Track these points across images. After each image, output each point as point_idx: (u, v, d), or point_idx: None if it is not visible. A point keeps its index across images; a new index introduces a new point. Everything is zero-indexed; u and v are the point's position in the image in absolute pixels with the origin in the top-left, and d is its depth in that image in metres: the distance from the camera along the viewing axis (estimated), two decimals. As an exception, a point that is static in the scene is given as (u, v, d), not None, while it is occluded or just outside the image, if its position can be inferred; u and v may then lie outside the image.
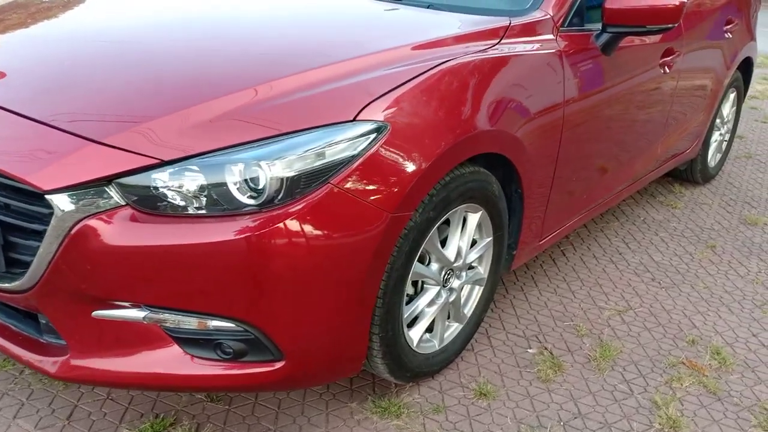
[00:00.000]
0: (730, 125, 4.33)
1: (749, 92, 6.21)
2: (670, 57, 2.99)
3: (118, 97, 1.69)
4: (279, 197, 1.54)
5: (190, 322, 1.59)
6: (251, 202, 1.53)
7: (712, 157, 4.22)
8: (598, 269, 3.06)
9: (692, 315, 2.74)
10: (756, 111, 6.14)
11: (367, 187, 1.62)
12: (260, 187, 1.53)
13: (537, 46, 2.20)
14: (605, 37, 2.45)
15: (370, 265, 1.67)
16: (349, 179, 1.60)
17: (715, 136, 4.17)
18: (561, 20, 2.33)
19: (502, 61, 2.04)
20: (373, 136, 1.64)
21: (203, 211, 1.53)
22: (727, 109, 4.18)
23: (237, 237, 1.51)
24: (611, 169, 2.85)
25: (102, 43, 2.04)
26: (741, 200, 4.04)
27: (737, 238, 3.51)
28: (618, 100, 2.64)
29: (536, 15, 2.27)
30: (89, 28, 2.20)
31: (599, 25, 2.44)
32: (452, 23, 2.15)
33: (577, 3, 2.41)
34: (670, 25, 2.46)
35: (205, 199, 1.52)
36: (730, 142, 4.43)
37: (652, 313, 2.73)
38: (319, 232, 1.56)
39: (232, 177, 1.52)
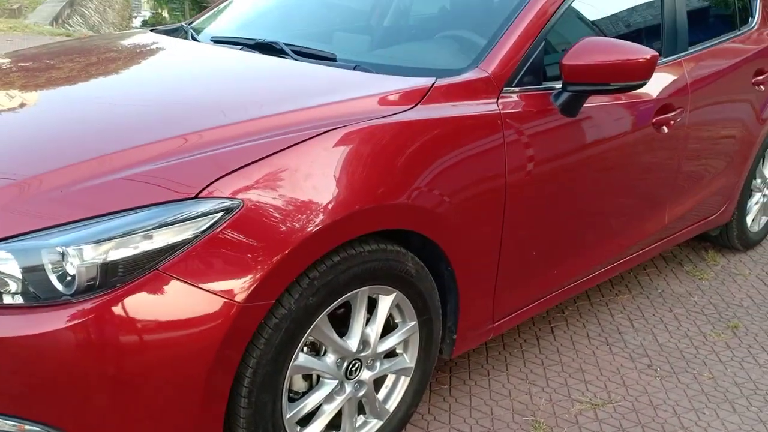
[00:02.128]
0: (777, 186, 3.87)
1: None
2: (670, 114, 2.66)
3: None
4: (94, 286, 1.37)
5: (7, 425, 1.43)
6: (65, 291, 1.38)
7: (755, 222, 3.77)
8: (587, 352, 2.71)
9: (684, 413, 2.36)
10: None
11: (209, 274, 1.44)
12: (72, 274, 1.37)
13: (466, 109, 1.96)
14: (565, 96, 2.18)
15: (216, 362, 1.47)
16: (185, 265, 1.42)
17: (756, 198, 3.72)
18: (506, 80, 2.09)
19: (409, 127, 1.81)
20: (219, 215, 1.46)
21: (15, 300, 1.38)
22: (770, 167, 3.74)
23: (45, 331, 1.35)
24: (591, 241, 2.54)
25: None
26: (785, 271, 3.57)
27: (768, 317, 3.07)
28: (590, 165, 2.35)
29: (471, 75, 2.04)
30: None
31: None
32: (366, 85, 1.95)
33: (531, 60, 2.17)
34: (639, 83, 2.17)
35: (15, 286, 1.38)
36: (778, 204, 3.96)
37: (634, 409, 2.37)
38: (140, 326, 1.38)
39: (42, 262, 1.37)
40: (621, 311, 3.06)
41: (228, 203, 1.46)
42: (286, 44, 2.25)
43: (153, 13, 31.94)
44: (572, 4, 2.37)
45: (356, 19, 2.60)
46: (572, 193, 2.34)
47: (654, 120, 2.59)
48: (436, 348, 2.07)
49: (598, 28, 2.57)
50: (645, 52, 2.14)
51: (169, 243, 1.41)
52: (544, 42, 2.21)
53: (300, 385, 1.78)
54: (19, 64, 2.40)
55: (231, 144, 1.57)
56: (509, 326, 2.38)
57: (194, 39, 2.57)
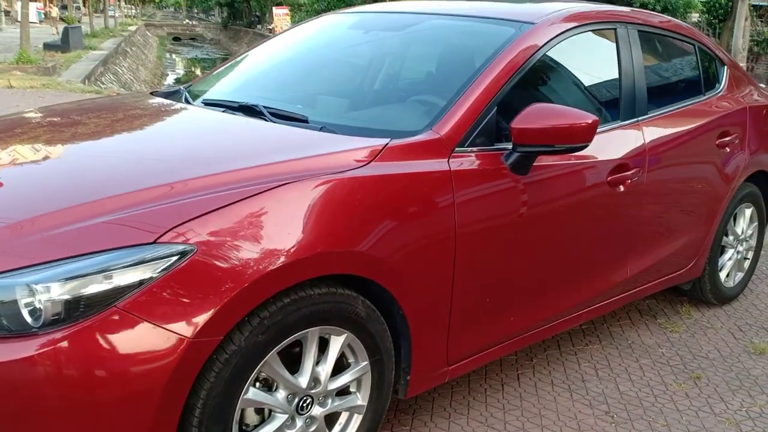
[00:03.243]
0: (752, 242, 4.00)
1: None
2: (626, 173, 2.84)
3: None
4: (59, 320, 1.57)
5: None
6: (34, 324, 1.57)
7: (729, 277, 3.89)
8: (548, 398, 2.84)
9: (632, 457, 2.47)
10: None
11: (163, 311, 1.63)
12: (40, 309, 1.57)
13: (417, 167, 2.16)
14: (515, 156, 2.38)
15: (166, 392, 1.64)
16: (141, 302, 1.61)
17: (729, 254, 3.85)
18: (458, 141, 2.30)
19: (361, 183, 2.02)
20: (174, 258, 1.65)
21: None
22: (743, 225, 3.87)
23: (10, 359, 1.54)
24: (549, 291, 2.69)
25: None
26: (758, 326, 3.67)
27: (732, 369, 3.17)
28: (542, 219, 2.53)
29: (424, 136, 2.25)
30: None
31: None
32: (327, 145, 2.17)
33: (484, 123, 2.38)
34: (581, 145, 2.36)
35: None
36: (754, 260, 4.07)
37: (584, 452, 2.48)
38: (98, 357, 1.57)
39: (16, 298, 1.57)
40: (588, 360, 3.18)
41: (182, 248, 1.66)
42: (265, 107, 2.49)
43: (186, 71, 33.01)
44: (527, 72, 2.59)
45: (332, 85, 2.84)
46: (525, 246, 2.51)
47: (608, 179, 2.77)
48: (389, 388, 2.22)
49: (552, 94, 2.78)
50: (586, 117, 2.34)
51: (128, 283, 1.61)
52: (496, 107, 2.42)
53: (253, 418, 1.94)
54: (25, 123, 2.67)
55: (196, 195, 1.78)
56: (466, 370, 2.52)
57: (187, 101, 2.82)
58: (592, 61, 3.00)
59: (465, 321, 2.37)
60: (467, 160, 2.30)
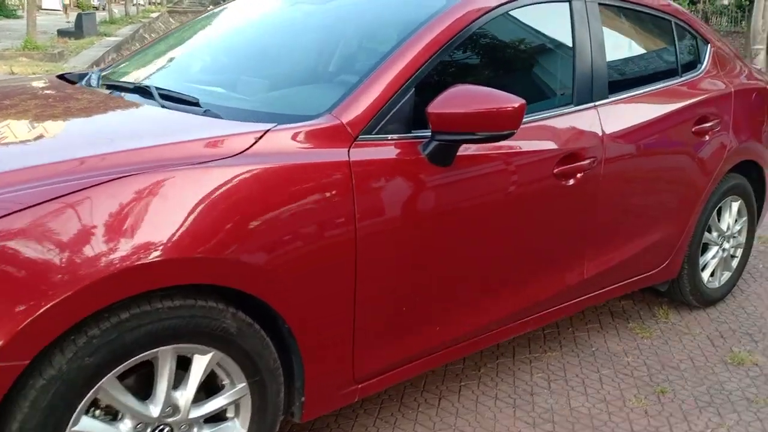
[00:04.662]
0: (741, 238, 3.64)
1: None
2: (577, 164, 2.52)
3: None
4: None
5: None
6: None
7: (714, 277, 3.54)
8: (488, 415, 2.54)
9: (567, 488, 2.17)
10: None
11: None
12: None
13: (305, 157, 1.88)
14: (433, 145, 2.08)
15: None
16: None
17: (713, 253, 3.51)
18: (363, 128, 2.00)
19: (226, 176, 1.73)
20: None
21: None
22: (729, 220, 3.52)
23: None
24: (483, 297, 2.39)
25: None
26: (742, 331, 3.32)
27: (704, 381, 2.84)
28: (470, 216, 2.23)
29: (319, 122, 1.96)
30: None
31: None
32: (197, 130, 1.88)
33: (398, 107, 2.08)
34: (506, 132, 2.05)
35: None
36: (744, 258, 3.72)
37: (512, 482, 2.19)
38: None
39: None
40: (543, 370, 2.88)
41: None
42: (158, 88, 2.22)
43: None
44: (458, 49, 2.28)
45: (238, 64, 2.55)
46: (450, 248, 2.21)
47: (555, 170, 2.46)
48: (276, 412, 1.95)
49: (487, 75, 2.47)
50: (512, 101, 2.03)
51: None
52: (414, 89, 2.12)
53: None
54: None
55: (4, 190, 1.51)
56: (383, 386, 2.24)
57: (89, 84, 2.56)
58: (539, 38, 2.67)
59: (375, 333, 2.09)
60: (374, 150, 2.01)
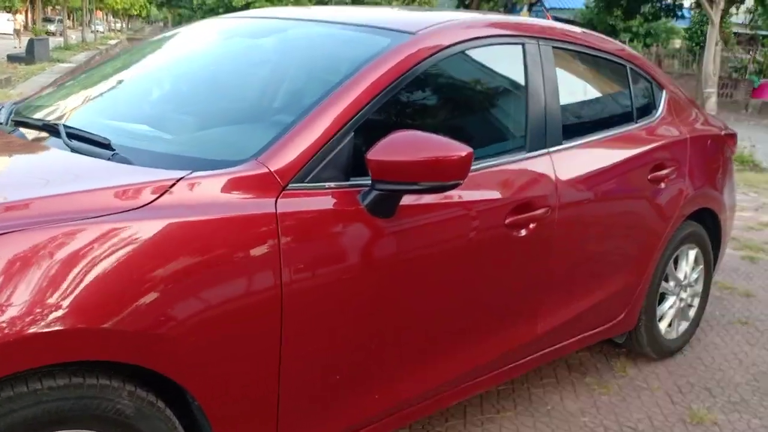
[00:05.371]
0: (697, 287, 3.54)
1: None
2: (530, 214, 2.37)
3: None
4: None
5: None
6: None
7: (672, 328, 3.43)
8: (432, 485, 2.34)
9: None
10: (781, 262, 5.21)
11: None
12: None
13: (223, 209, 1.67)
14: (374, 195, 1.90)
15: None
16: None
17: (670, 302, 3.39)
18: (294, 176, 1.81)
19: (125, 232, 1.51)
20: None
21: None
22: (686, 269, 3.42)
23: None
24: (427, 359, 2.20)
25: None
26: (701, 386, 3.19)
27: (661, 443, 2.69)
28: (413, 275, 2.05)
29: (241, 169, 1.76)
30: None
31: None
32: (95, 178, 1.66)
33: (334, 153, 1.90)
34: (451, 183, 1.89)
35: None
36: (701, 307, 3.61)
37: None
38: None
39: None
40: (494, 432, 2.69)
41: None
42: (66, 127, 2.00)
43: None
44: (402, 92, 2.13)
45: (167, 101, 2.35)
46: (390, 307, 2.03)
47: (507, 221, 2.30)
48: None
49: (434, 119, 2.32)
50: (459, 149, 1.87)
51: None
52: (353, 133, 1.95)
53: None
54: None
55: None
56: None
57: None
58: (491, 81, 2.54)
59: (304, 407, 1.88)
60: (306, 201, 1.82)
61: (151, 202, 1.58)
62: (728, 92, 22.87)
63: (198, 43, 2.68)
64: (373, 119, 2.03)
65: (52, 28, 44.07)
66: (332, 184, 1.89)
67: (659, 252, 3.09)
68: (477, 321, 2.33)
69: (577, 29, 3.00)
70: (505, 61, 2.50)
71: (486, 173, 2.27)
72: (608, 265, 2.85)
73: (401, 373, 2.13)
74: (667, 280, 3.32)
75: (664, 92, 3.26)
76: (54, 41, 28.13)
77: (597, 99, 3.01)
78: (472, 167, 2.19)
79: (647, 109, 3.16)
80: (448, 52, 2.25)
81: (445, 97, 2.40)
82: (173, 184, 1.64)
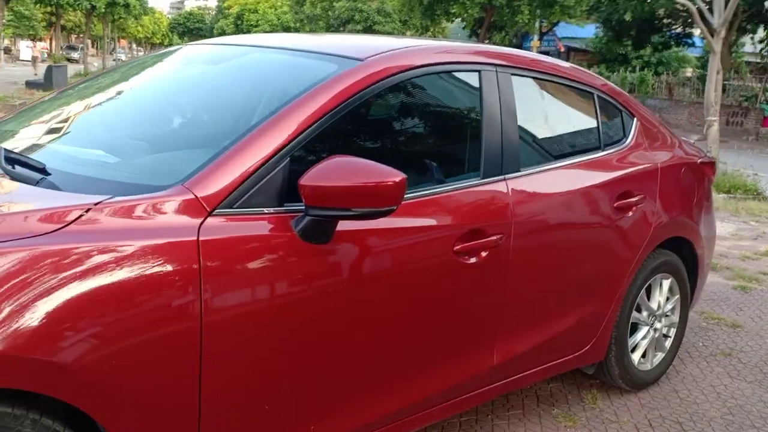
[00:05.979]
0: (674, 317, 3.47)
1: None
2: (481, 241, 2.34)
3: None
4: None
5: None
6: None
7: (646, 359, 3.36)
8: None
9: None
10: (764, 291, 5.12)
11: None
12: None
13: (138, 236, 1.65)
14: (307, 221, 1.89)
15: None
16: None
17: (643, 333, 3.33)
18: (221, 201, 1.80)
19: (31, 258, 1.50)
20: None
21: None
22: (660, 298, 3.36)
23: None
24: (367, 391, 2.16)
25: None
26: (672, 419, 3.11)
27: (624, 479, 2.62)
28: (351, 303, 2.02)
29: (162, 194, 1.75)
30: None
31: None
32: (9, 202, 1.66)
33: (267, 178, 1.89)
34: (385, 209, 1.87)
35: None
36: (677, 338, 3.54)
37: None
38: None
39: None
40: (451, 465, 2.63)
41: None
42: (6, 150, 2.01)
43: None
44: (345, 118, 2.12)
45: (110, 126, 2.35)
46: (327, 336, 2.00)
47: (456, 247, 2.27)
48: None
49: (379, 147, 2.31)
50: (392, 175, 1.86)
51: None
52: (289, 158, 1.94)
53: None
54: None
55: None
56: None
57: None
58: (444, 107, 2.53)
59: (236, 432, 1.85)
60: (234, 226, 1.81)
61: (62, 227, 1.57)
62: (738, 120, 22.77)
63: (160, 69, 2.71)
64: (314, 145, 2.03)
65: (75, 55, 44.85)
66: (265, 210, 1.88)
67: (627, 281, 3.03)
68: (424, 351, 2.29)
69: (542, 57, 2.99)
70: (459, 88, 2.50)
71: (433, 199, 2.25)
72: (570, 293, 2.81)
73: (340, 404, 2.09)
74: (639, 310, 3.26)
75: (634, 120, 3.23)
76: (75, 68, 28.68)
77: (560, 126, 2.99)
78: (419, 193, 2.20)
79: (615, 137, 3.13)
80: (397, 78, 2.25)
81: (392, 123, 2.39)
82: (88, 209, 1.63)
